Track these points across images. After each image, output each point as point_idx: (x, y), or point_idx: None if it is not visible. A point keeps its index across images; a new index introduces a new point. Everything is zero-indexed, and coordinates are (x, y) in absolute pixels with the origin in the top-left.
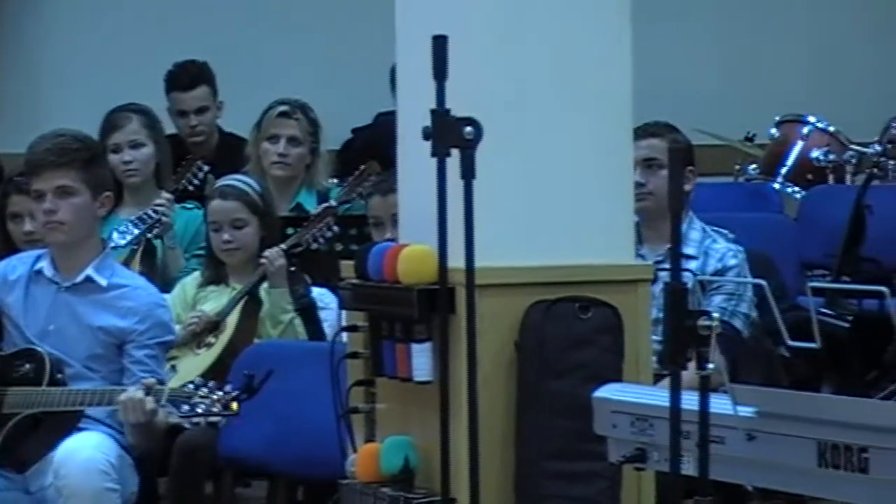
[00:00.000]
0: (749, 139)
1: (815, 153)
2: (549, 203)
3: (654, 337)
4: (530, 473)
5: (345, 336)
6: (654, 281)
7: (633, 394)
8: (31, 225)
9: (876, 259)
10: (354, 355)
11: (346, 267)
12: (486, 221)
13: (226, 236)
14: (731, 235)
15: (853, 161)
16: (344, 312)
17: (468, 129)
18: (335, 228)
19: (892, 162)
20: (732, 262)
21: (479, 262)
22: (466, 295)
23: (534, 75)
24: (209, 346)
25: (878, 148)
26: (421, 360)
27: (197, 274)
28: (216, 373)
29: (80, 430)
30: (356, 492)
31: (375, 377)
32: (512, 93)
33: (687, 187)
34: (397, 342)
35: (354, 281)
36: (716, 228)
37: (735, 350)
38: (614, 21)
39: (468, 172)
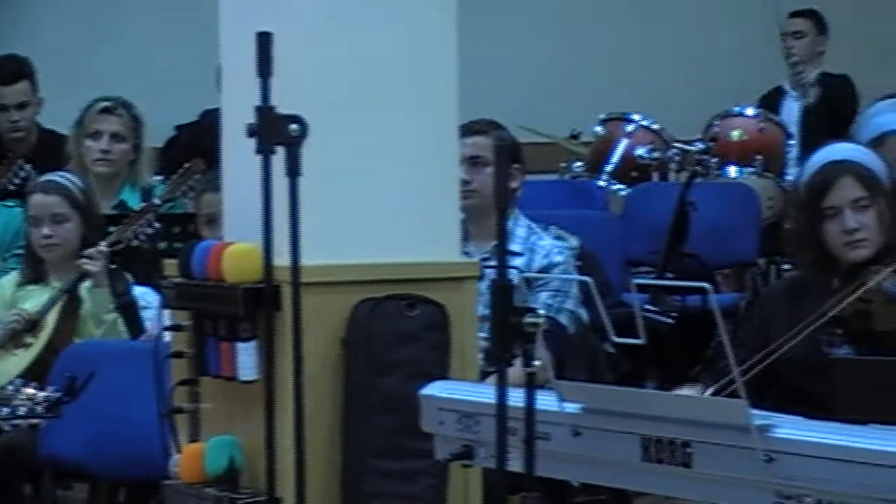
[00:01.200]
0: (574, 137)
1: (640, 151)
2: (376, 201)
3: (481, 334)
4: (357, 471)
5: (168, 335)
6: (481, 278)
7: (459, 391)
8: None
9: (699, 256)
10: (178, 355)
11: (170, 265)
12: (311, 219)
13: (46, 231)
14: (568, 237)
15: (677, 158)
16: (168, 311)
17: (293, 126)
18: (156, 225)
19: (714, 159)
20: (558, 258)
21: (304, 260)
22: (292, 293)
23: (359, 73)
24: (27, 346)
25: (700, 145)
26: (246, 358)
27: (16, 273)
28: (35, 373)
29: None
30: (180, 493)
31: (199, 376)
32: (337, 90)
33: (513, 184)
34: (222, 341)
35: (178, 279)
36: (548, 225)
37: (560, 346)
38: (439, 18)
39: (293, 170)
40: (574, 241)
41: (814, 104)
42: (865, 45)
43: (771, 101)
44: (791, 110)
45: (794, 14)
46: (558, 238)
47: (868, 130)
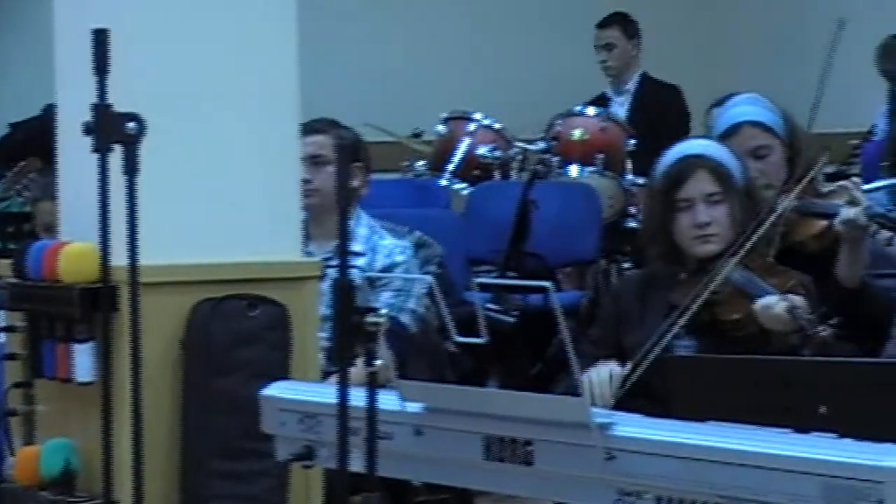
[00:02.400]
0: (416, 136)
1: (482, 150)
2: (215, 200)
3: (322, 334)
4: (196, 474)
5: (2, 337)
6: (322, 278)
7: (300, 391)
8: None
9: (540, 254)
10: (12, 357)
11: (4, 266)
12: (150, 219)
13: None
14: (432, 244)
15: (518, 157)
16: (2, 312)
17: (131, 124)
18: None
19: (556, 158)
20: (400, 258)
21: (143, 260)
22: (130, 293)
23: (198, 71)
24: None
25: (542, 145)
26: (83, 360)
27: None
28: None
29: None
30: (15, 496)
31: (35, 379)
32: (176, 88)
33: (355, 183)
34: (58, 342)
35: (12, 280)
36: (391, 225)
37: (403, 345)
38: (280, 17)
39: (131, 168)
40: (438, 249)
41: (639, 106)
42: (693, 54)
43: (596, 101)
44: (617, 110)
45: (601, 25)
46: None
47: (725, 120)
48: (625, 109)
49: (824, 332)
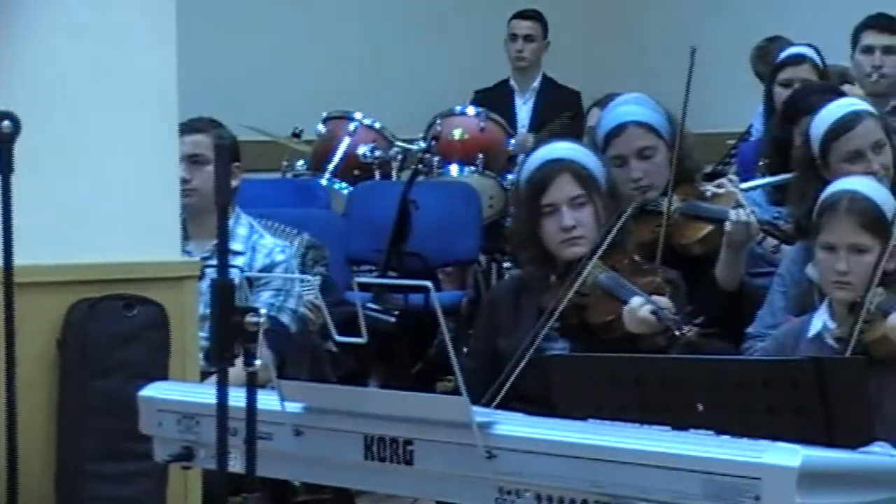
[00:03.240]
0: (296, 135)
1: (362, 149)
2: (93, 200)
3: (202, 334)
4: (73, 476)
5: None
6: (202, 277)
7: (179, 392)
8: None
9: (421, 254)
10: None
11: None
12: (25, 218)
13: None
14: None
15: (399, 157)
16: None
17: (6, 123)
18: None
19: (436, 158)
20: (280, 257)
21: (18, 260)
22: (5, 294)
23: (75, 69)
24: None
25: (422, 144)
26: None
27: None
28: None
29: None
30: None
31: None
32: (52, 87)
33: (234, 183)
34: None
35: None
36: (280, 227)
37: (282, 345)
38: (158, 16)
39: (5, 167)
40: (326, 251)
41: (541, 107)
42: (590, 60)
43: (498, 96)
44: (520, 109)
45: (521, 16)
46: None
47: (610, 119)
48: (528, 108)
49: (690, 332)
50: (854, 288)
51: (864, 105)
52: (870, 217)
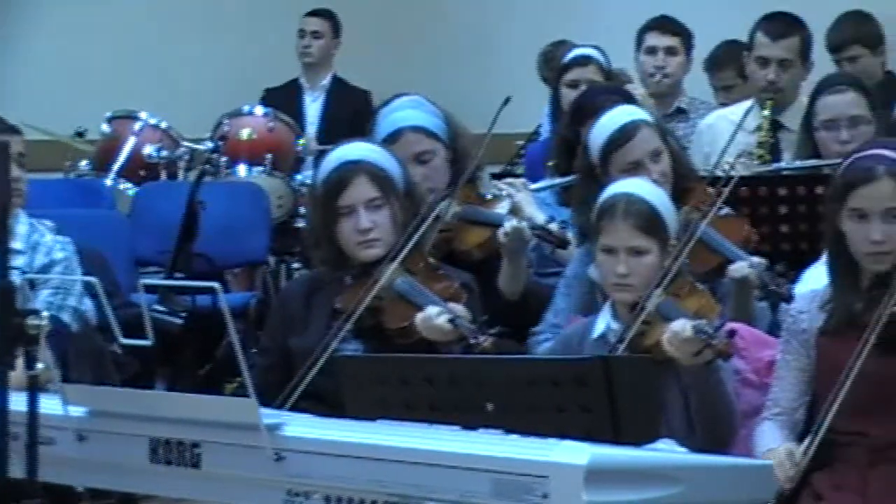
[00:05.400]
0: (80, 135)
1: (148, 149)
2: None
3: None
4: None
5: None
6: None
7: None
8: None
9: (209, 255)
10: None
11: None
12: None
13: None
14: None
15: (186, 157)
16: None
17: None
18: None
19: (224, 158)
20: (60, 255)
21: None
22: None
23: None
24: None
25: (210, 144)
26: None
27: None
28: None
29: None
30: None
31: None
32: None
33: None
34: None
35: None
36: (41, 221)
37: (64, 345)
38: None
39: None
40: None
41: (330, 106)
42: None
43: (288, 95)
44: (309, 108)
45: (312, 14)
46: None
47: (386, 125)
48: (318, 107)
49: (486, 341)
50: (634, 289)
51: (640, 114)
52: (647, 219)
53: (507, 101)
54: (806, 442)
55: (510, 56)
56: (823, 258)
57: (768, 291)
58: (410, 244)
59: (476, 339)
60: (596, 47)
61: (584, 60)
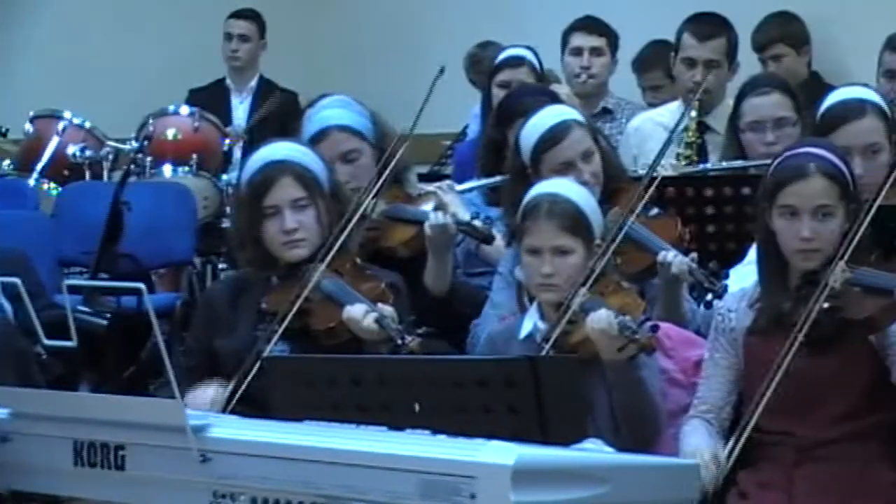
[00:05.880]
0: (2, 134)
1: (72, 149)
2: None
3: None
4: None
5: None
6: None
7: None
8: None
9: (134, 256)
10: None
11: None
12: None
13: None
14: None
15: (110, 157)
16: None
17: None
18: None
19: (149, 158)
20: None
21: None
22: None
23: None
24: None
25: (135, 144)
26: None
27: None
28: None
29: None
30: None
31: None
32: None
33: None
34: None
35: None
36: None
37: None
38: None
39: None
40: None
41: (257, 107)
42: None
43: (214, 96)
44: (236, 109)
45: (237, 16)
46: None
47: (312, 125)
48: (245, 108)
49: (412, 341)
50: (560, 289)
51: (572, 114)
52: (571, 219)
53: (441, 70)
54: (731, 443)
55: (438, 56)
56: (748, 258)
57: (702, 288)
58: (338, 245)
59: (403, 339)
60: (529, 48)
61: (516, 62)
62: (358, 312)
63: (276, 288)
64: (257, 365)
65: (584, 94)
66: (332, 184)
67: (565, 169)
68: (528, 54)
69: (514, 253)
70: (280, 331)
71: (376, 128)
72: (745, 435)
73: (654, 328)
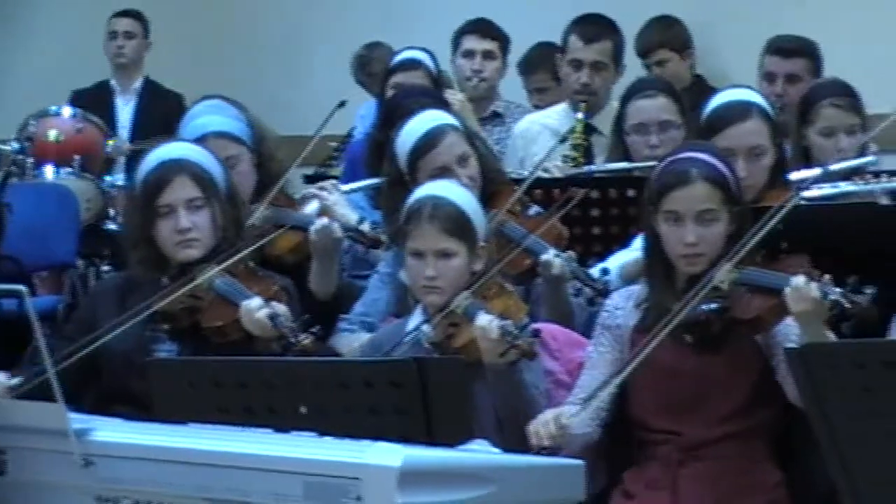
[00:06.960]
0: None
1: None
2: None
3: None
4: None
5: None
6: None
7: None
8: None
9: (15, 258)
10: None
11: None
12: None
13: None
14: None
15: None
16: None
17: None
18: None
19: (30, 160)
20: None
21: None
22: None
23: None
24: None
25: (15, 145)
26: None
27: None
28: None
29: None
30: None
31: None
32: None
33: None
34: None
35: None
36: None
37: None
38: None
39: None
40: None
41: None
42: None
43: (98, 97)
44: (121, 111)
45: (122, 15)
46: None
47: (189, 131)
48: (130, 109)
49: (305, 339)
50: (443, 292)
51: (446, 118)
52: (454, 222)
53: (341, 104)
54: (575, 408)
55: (324, 57)
56: (632, 246)
57: (584, 284)
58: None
59: (296, 337)
60: (425, 50)
61: (411, 64)
62: (252, 305)
63: (166, 288)
64: (140, 366)
65: (475, 97)
66: (228, 186)
67: (442, 174)
68: (425, 57)
69: (394, 254)
70: (160, 329)
71: (254, 131)
72: (593, 405)
73: (536, 333)
